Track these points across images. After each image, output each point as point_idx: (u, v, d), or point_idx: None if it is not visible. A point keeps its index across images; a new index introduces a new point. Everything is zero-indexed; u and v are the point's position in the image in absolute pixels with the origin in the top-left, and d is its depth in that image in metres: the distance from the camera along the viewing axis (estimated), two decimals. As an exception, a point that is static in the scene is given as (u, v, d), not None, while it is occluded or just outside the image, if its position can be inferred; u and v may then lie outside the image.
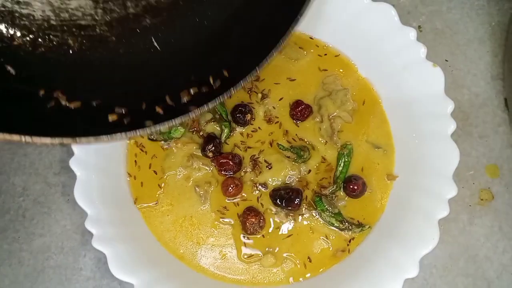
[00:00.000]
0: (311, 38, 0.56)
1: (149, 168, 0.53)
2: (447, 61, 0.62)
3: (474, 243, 0.56)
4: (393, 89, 0.52)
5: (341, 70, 0.55)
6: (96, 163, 0.48)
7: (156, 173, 0.53)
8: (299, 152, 0.52)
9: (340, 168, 0.52)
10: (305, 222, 0.52)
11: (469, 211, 0.57)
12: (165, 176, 0.53)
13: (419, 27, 0.63)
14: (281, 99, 0.55)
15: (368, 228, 0.51)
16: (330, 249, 0.51)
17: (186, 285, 0.48)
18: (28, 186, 0.58)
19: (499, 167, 0.59)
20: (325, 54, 0.55)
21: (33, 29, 0.40)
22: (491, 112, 0.60)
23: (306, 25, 0.56)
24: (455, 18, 0.63)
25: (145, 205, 0.52)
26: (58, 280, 0.55)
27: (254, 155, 0.53)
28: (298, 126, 0.54)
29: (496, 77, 0.61)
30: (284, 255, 0.51)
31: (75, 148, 0.47)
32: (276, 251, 0.51)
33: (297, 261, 0.51)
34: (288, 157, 0.52)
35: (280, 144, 0.52)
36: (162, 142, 0.53)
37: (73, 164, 0.47)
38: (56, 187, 0.58)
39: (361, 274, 0.47)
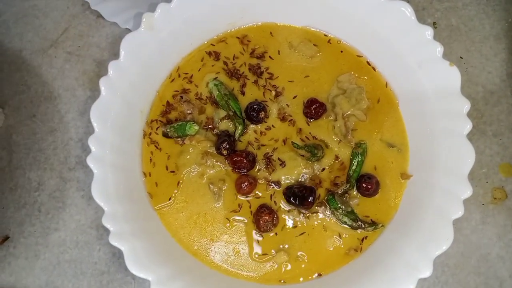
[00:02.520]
0: (325, 35, 0.56)
1: (165, 166, 0.53)
2: (462, 58, 0.61)
3: (487, 242, 0.56)
4: (409, 87, 0.51)
5: (356, 68, 0.55)
6: (112, 161, 0.49)
7: (172, 172, 0.53)
8: (313, 150, 0.52)
9: (354, 167, 0.52)
10: (318, 220, 0.52)
11: (482, 210, 0.57)
12: (182, 175, 0.53)
13: (434, 23, 0.62)
14: (295, 97, 0.55)
15: (382, 226, 0.51)
16: (343, 247, 0.51)
17: (200, 281, 0.48)
18: (44, 181, 0.59)
19: (513, 165, 0.58)
20: (341, 51, 0.55)
21: None
22: (505, 110, 0.60)
23: (320, 22, 0.55)
24: (470, 15, 0.63)
25: (161, 205, 0.52)
26: (73, 273, 0.56)
27: (268, 153, 0.53)
28: (311, 125, 0.54)
29: (512, 74, 0.61)
30: (298, 253, 0.51)
31: (92, 145, 0.48)
32: (288, 248, 0.51)
33: (310, 259, 0.51)
34: (302, 155, 0.52)
35: (294, 142, 0.52)
36: (177, 139, 0.54)
37: (90, 161, 0.47)
38: (71, 183, 0.59)
39: (374, 273, 0.47)
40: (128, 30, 0.60)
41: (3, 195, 0.58)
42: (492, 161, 0.59)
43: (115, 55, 0.62)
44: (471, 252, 0.56)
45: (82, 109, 0.61)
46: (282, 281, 0.51)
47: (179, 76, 0.56)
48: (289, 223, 0.52)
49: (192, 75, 0.56)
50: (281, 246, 0.52)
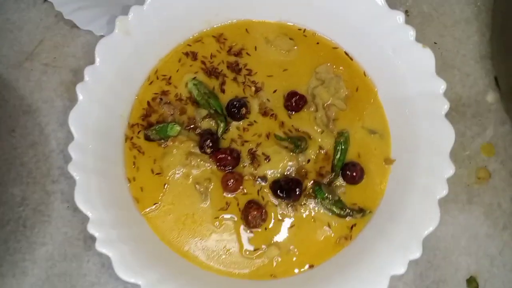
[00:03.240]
0: (299, 29, 0.56)
1: (149, 169, 0.53)
2: (436, 43, 0.63)
3: (474, 222, 0.57)
4: (385, 73, 0.52)
5: (333, 59, 0.55)
6: (94, 167, 0.48)
7: (158, 174, 0.53)
8: (296, 142, 0.52)
9: (338, 156, 0.52)
10: (306, 212, 0.52)
11: (468, 190, 0.58)
12: (167, 177, 0.52)
13: (406, 11, 0.63)
14: (275, 91, 0.55)
15: (369, 213, 0.51)
16: (333, 236, 0.51)
17: (192, 282, 0.48)
18: (27, 196, 0.58)
19: (494, 145, 0.59)
20: (317, 43, 0.55)
21: None
22: (482, 91, 0.61)
23: (294, 16, 0.56)
24: (441, 1, 0.64)
25: (148, 209, 0.52)
26: (63, 287, 0.55)
27: (252, 149, 0.53)
28: (293, 117, 0.54)
29: (485, 56, 0.62)
30: (289, 247, 0.51)
31: (72, 152, 0.47)
32: (279, 242, 0.51)
33: (301, 251, 0.51)
34: (286, 147, 0.52)
35: (277, 135, 0.52)
36: (160, 141, 0.53)
37: (71, 168, 0.46)
38: (55, 195, 0.58)
39: (366, 259, 0.47)
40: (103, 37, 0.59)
41: (-14, 213, 0.57)
42: (473, 142, 0.60)
43: (92, 63, 0.61)
44: (461, 233, 0.57)
45: (61, 120, 0.60)
46: (274, 276, 0.51)
47: (157, 78, 0.55)
48: (278, 217, 0.52)
49: (170, 76, 0.56)
50: (271, 241, 0.51)
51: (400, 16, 0.49)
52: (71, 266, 0.56)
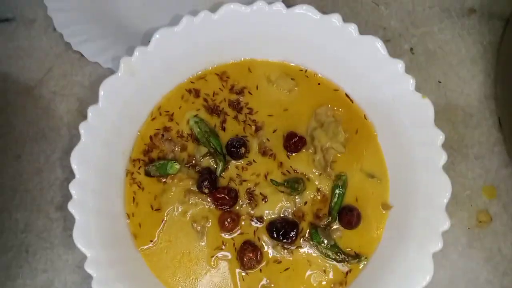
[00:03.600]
0: (301, 69, 0.57)
1: (148, 205, 0.54)
2: (440, 82, 0.62)
3: (474, 267, 0.56)
4: (385, 118, 0.52)
5: (333, 100, 0.55)
6: (94, 205, 0.49)
7: (158, 210, 0.53)
8: (294, 185, 0.52)
9: (335, 199, 0.52)
10: (302, 255, 0.52)
11: (468, 233, 0.57)
12: (165, 214, 0.53)
13: (411, 49, 0.63)
14: (275, 131, 0.55)
15: (365, 259, 0.51)
16: (328, 282, 0.51)
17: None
18: (31, 222, 0.59)
19: (496, 187, 0.59)
20: (318, 84, 0.55)
21: None
22: (486, 132, 0.60)
23: (297, 56, 0.56)
24: (446, 39, 0.64)
25: (146, 247, 0.52)
26: (62, 315, 0.56)
27: (250, 188, 0.54)
28: (292, 158, 0.54)
29: (490, 96, 0.62)
30: (282, 290, 0.51)
31: (73, 190, 0.48)
32: (273, 285, 0.51)
33: (295, 295, 0.51)
34: (282, 191, 0.52)
35: (273, 180, 0.52)
36: (159, 177, 0.54)
37: (71, 207, 0.47)
38: (58, 222, 0.59)
39: (359, 308, 0.47)
40: (110, 69, 0.61)
41: (-11, 239, 0.58)
42: (475, 184, 0.59)
43: (97, 94, 0.62)
44: (459, 278, 0.56)
45: (67, 148, 0.61)
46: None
47: (160, 114, 0.56)
48: (273, 258, 0.52)
49: (173, 113, 0.56)
50: (266, 283, 0.51)
51: (400, 65, 0.49)
52: (71, 294, 0.56)
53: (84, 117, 0.61)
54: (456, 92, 0.62)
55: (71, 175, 0.60)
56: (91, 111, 0.50)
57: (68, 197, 0.59)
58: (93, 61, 0.62)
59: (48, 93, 0.63)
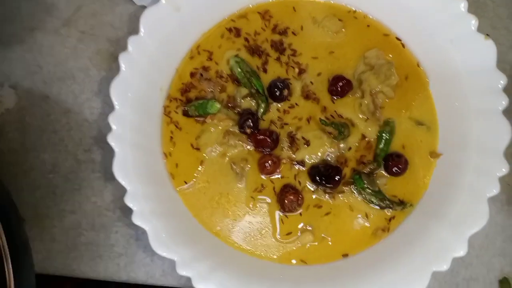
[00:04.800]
0: (349, 11, 0.54)
1: (185, 145, 0.52)
2: (488, 35, 0.59)
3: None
4: (439, 63, 0.50)
5: (382, 44, 0.53)
6: (132, 140, 0.47)
7: (197, 149, 0.52)
8: (340, 128, 0.50)
9: (381, 146, 0.51)
10: (344, 200, 0.51)
11: (508, 190, 0.56)
12: (204, 155, 0.52)
13: (460, 0, 0.60)
14: (319, 74, 0.53)
15: (410, 206, 0.50)
16: (370, 227, 0.50)
17: (224, 261, 0.47)
18: (58, 163, 0.57)
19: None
20: (368, 26, 0.53)
21: None
22: (534, 89, 0.58)
23: (345, -4, 0.54)
24: (498, -10, 0.61)
25: (184, 187, 0.51)
26: (90, 256, 0.55)
27: (291, 132, 0.52)
28: (337, 103, 0.52)
29: (539, 51, 0.59)
30: (323, 234, 0.50)
31: (112, 123, 0.46)
32: (314, 229, 0.50)
33: (336, 240, 0.50)
34: (330, 133, 0.50)
35: (323, 120, 0.50)
36: (198, 118, 0.52)
37: (111, 139, 0.46)
38: (86, 164, 0.57)
39: (405, 253, 0.46)
40: (144, 8, 0.58)
41: (17, 177, 0.57)
42: (518, 141, 0.57)
43: (130, 34, 0.60)
44: (497, 233, 0.55)
45: (96, 89, 0.59)
46: (306, 262, 0.50)
47: (199, 53, 0.54)
48: (314, 203, 0.51)
49: (212, 52, 0.54)
50: (306, 227, 0.50)
51: (463, 4, 0.46)
52: (99, 236, 0.56)
53: (115, 57, 0.60)
54: (505, 47, 0.59)
55: (100, 117, 0.59)
56: (131, 42, 0.48)
57: (96, 139, 0.58)
58: (126, -1, 0.59)
59: (77, 33, 0.61)
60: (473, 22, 0.46)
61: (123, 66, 0.47)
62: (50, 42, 0.61)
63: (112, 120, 0.46)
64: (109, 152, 0.57)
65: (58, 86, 0.59)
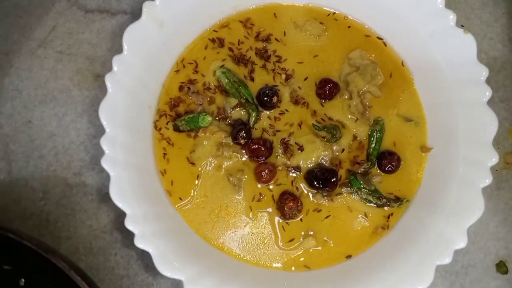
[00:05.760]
0: (328, 14, 0.54)
1: (180, 161, 0.52)
2: (463, 26, 0.61)
3: (503, 207, 0.57)
4: (422, 59, 0.51)
5: (364, 44, 0.54)
6: (125, 161, 0.47)
7: (192, 164, 0.51)
8: (332, 131, 0.51)
9: (373, 145, 0.51)
10: (343, 202, 0.51)
11: (496, 176, 0.58)
12: (199, 169, 0.51)
13: (433, -7, 0.61)
14: (306, 78, 0.53)
15: (406, 201, 0.51)
16: (369, 226, 0.51)
17: (230, 275, 0.47)
18: (48, 189, 0.56)
19: (521, 129, 0.59)
20: (349, 27, 0.53)
21: None
22: (510, 75, 0.60)
23: (324, -1, 0.54)
24: (468, -19, 0.62)
25: (181, 203, 0.51)
26: (90, 281, 0.54)
27: (284, 138, 0.52)
28: (326, 105, 0.53)
29: (513, 39, 0.61)
30: (325, 237, 0.51)
31: (105, 146, 0.45)
32: (315, 233, 0.51)
33: (338, 242, 0.51)
34: (323, 137, 0.51)
35: (316, 125, 0.51)
36: (189, 132, 0.52)
37: (104, 163, 0.45)
38: (77, 188, 0.56)
39: (407, 248, 0.47)
40: (121, 23, 0.57)
41: (7, 208, 0.55)
42: (501, 127, 0.58)
43: (109, 51, 0.59)
44: (489, 219, 0.57)
45: (80, 110, 0.58)
46: (310, 267, 0.50)
47: (184, 66, 0.53)
48: (313, 207, 0.51)
49: (197, 64, 0.54)
50: (307, 232, 0.51)
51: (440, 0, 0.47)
52: (98, 260, 0.55)
53: (96, 76, 0.58)
54: (479, 36, 0.61)
55: (86, 138, 0.57)
56: (115, 62, 0.47)
57: (85, 161, 0.57)
58: (100, 16, 0.57)
59: (54, 53, 0.59)
60: (451, 17, 0.47)
61: (109, 86, 0.46)
62: (27, 65, 0.59)
63: (104, 143, 0.46)
64: (100, 173, 0.56)
65: (40, 109, 0.58)
